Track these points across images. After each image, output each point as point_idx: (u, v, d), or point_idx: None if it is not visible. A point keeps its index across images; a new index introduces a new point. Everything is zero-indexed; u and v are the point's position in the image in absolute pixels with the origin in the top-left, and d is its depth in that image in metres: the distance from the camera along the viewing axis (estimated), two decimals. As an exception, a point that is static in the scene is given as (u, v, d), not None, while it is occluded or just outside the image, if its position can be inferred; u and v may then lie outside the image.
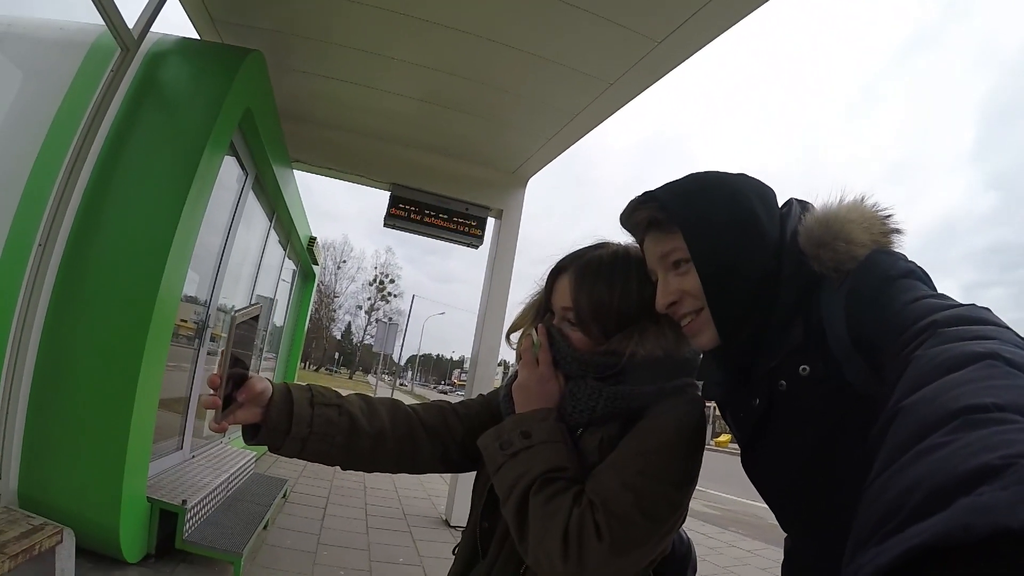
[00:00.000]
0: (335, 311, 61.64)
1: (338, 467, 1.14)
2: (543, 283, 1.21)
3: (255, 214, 5.53)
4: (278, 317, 8.67)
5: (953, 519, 0.29)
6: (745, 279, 0.94)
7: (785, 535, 1.07)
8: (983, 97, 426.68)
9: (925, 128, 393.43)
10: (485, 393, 1.36)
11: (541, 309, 1.22)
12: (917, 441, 0.40)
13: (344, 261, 60.12)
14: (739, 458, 1.21)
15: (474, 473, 1.25)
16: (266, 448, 1.07)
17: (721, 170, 1.04)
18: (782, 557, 1.08)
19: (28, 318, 2.69)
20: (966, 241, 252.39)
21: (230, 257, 4.67)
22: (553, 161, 5.55)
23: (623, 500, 0.92)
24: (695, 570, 1.21)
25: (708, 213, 0.96)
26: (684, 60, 3.49)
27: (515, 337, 1.25)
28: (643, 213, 1.04)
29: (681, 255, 0.99)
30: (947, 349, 0.54)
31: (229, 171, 4.26)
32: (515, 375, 1.18)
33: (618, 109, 4.27)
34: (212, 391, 0.92)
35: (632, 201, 1.06)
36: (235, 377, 0.97)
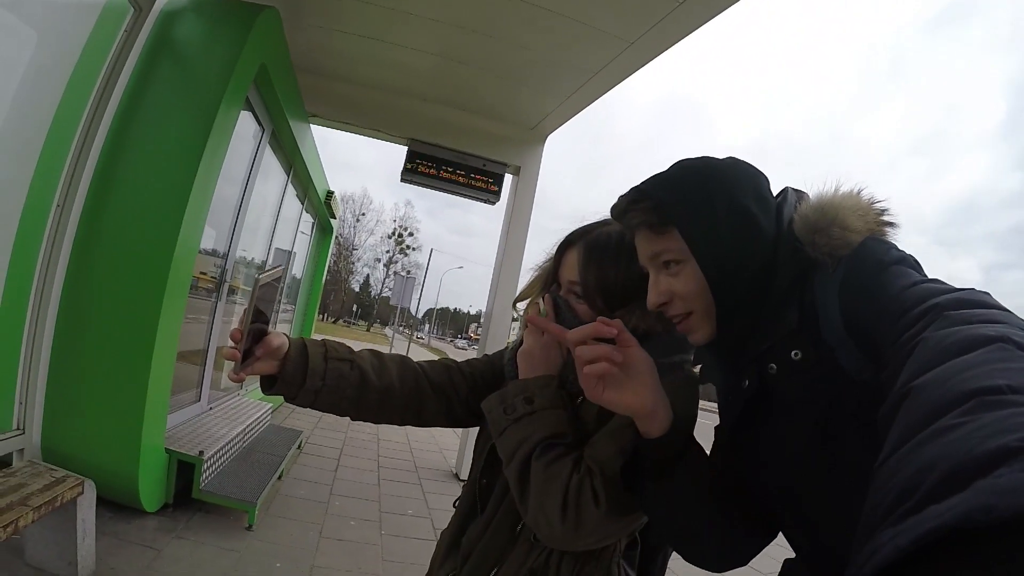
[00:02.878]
0: (353, 264, 62.13)
1: (348, 417, 1.20)
2: (552, 254, 1.25)
3: (272, 168, 5.52)
4: (296, 269, 8.75)
5: (974, 500, 0.29)
6: (745, 272, 0.93)
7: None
8: (1016, 74, 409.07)
9: (954, 103, 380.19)
10: (491, 354, 1.41)
11: (549, 280, 1.26)
12: (931, 421, 0.40)
13: (363, 214, 60.30)
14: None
15: None
16: (282, 399, 1.15)
17: (710, 157, 1.00)
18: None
19: (48, 276, 2.74)
20: (989, 220, 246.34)
21: (248, 211, 4.69)
22: (573, 118, 5.43)
23: (615, 464, 0.97)
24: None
25: (703, 208, 0.93)
26: (707, 21, 3.37)
27: (522, 306, 1.31)
28: (636, 217, 1.00)
29: (672, 256, 0.96)
30: (957, 331, 0.53)
31: (246, 126, 4.24)
32: (520, 341, 1.21)
33: (638, 68, 4.15)
34: (233, 344, 0.96)
35: (623, 198, 1.02)
36: (255, 332, 1.01)
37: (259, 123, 4.48)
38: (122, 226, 2.92)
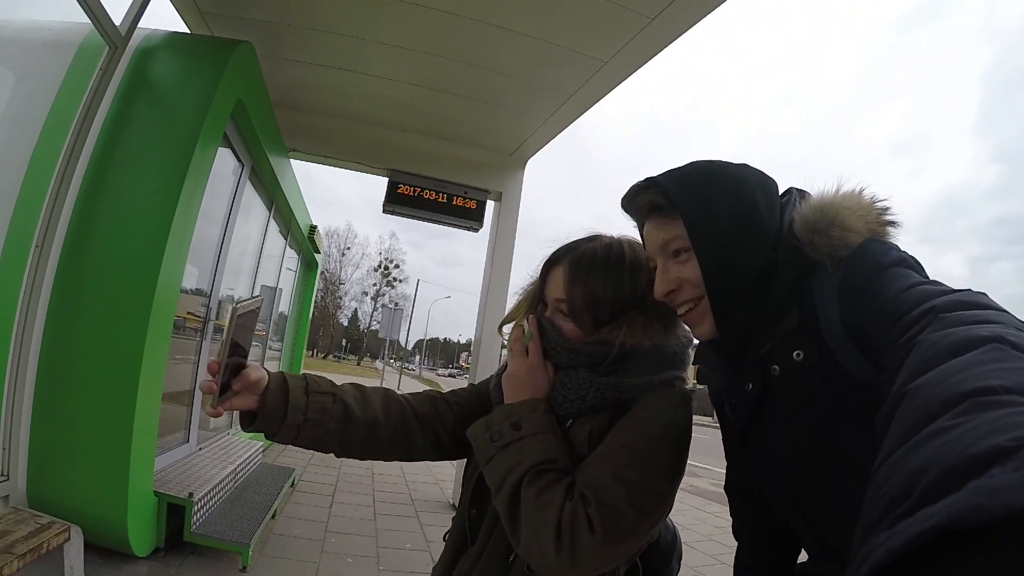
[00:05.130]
0: (341, 298, 61.86)
1: (333, 453, 1.16)
2: (537, 274, 1.22)
3: (253, 205, 5.52)
4: (283, 306, 8.70)
5: (966, 501, 0.29)
6: (745, 269, 0.94)
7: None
8: (987, 69, 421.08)
9: (929, 101, 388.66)
10: (478, 383, 1.37)
11: (535, 300, 1.23)
12: (925, 424, 0.40)
13: (348, 248, 60.23)
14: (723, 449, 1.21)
15: None
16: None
17: (724, 160, 1.03)
18: None
19: (29, 318, 2.70)
20: (971, 214, 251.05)
21: (230, 249, 4.67)
22: (554, 142, 5.48)
23: (614, 493, 0.93)
24: (680, 558, 1.22)
25: (710, 203, 0.96)
26: (678, 36, 3.43)
27: (508, 329, 1.26)
28: (644, 198, 1.04)
29: (681, 244, 0.98)
30: (951, 333, 0.54)
31: (225, 163, 4.25)
32: (505, 365, 1.19)
33: (614, 87, 4.21)
34: (210, 377, 0.94)
35: (634, 186, 1.05)
36: (233, 365, 0.98)
37: (238, 159, 4.49)
38: (102, 266, 2.89)
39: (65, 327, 2.80)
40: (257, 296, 1.11)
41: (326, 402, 1.11)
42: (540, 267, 1.23)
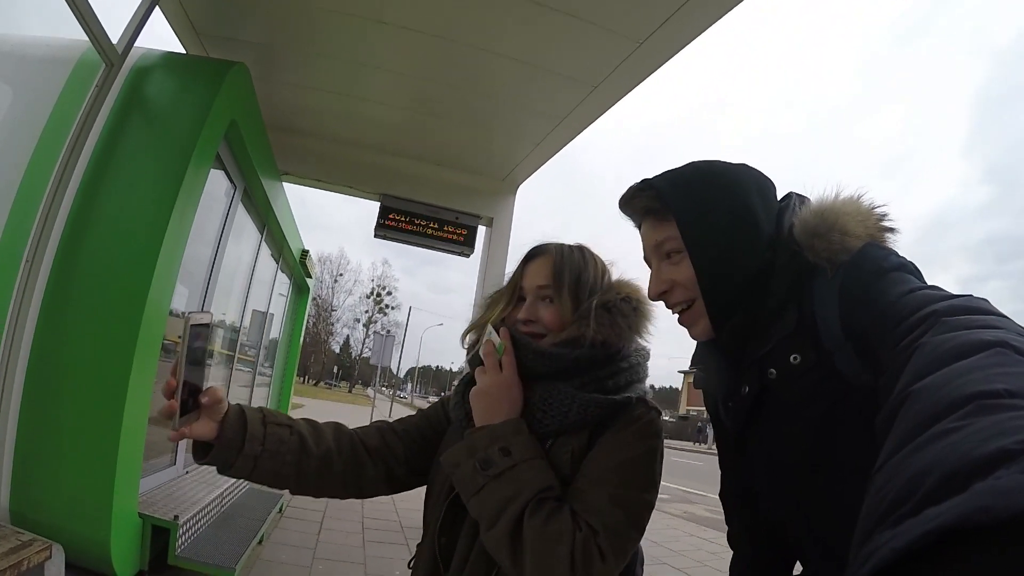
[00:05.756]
0: (333, 324, 61.60)
1: (288, 489, 1.14)
2: (507, 279, 1.25)
3: (245, 227, 5.51)
4: (275, 331, 8.65)
5: (972, 502, 0.29)
6: (739, 271, 0.95)
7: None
8: (976, 89, 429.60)
9: (918, 121, 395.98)
10: (426, 408, 1.36)
11: (509, 298, 1.22)
12: (929, 425, 0.40)
13: (341, 274, 60.22)
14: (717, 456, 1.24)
15: None
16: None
17: (722, 160, 1.05)
18: None
19: (17, 335, 2.68)
20: (961, 234, 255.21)
21: (221, 271, 4.65)
22: (545, 167, 5.54)
23: (617, 518, 0.94)
24: (643, 564, 1.21)
25: (704, 204, 0.97)
26: (668, 60, 3.51)
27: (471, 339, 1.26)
28: (640, 201, 1.05)
29: (674, 245, 1.00)
30: (954, 336, 0.54)
31: (217, 184, 4.27)
32: (469, 380, 1.16)
33: (605, 111, 4.29)
34: (168, 397, 0.92)
35: (631, 188, 1.07)
36: (190, 386, 0.96)
37: (231, 181, 4.51)
38: (92, 282, 2.88)
39: (53, 344, 2.78)
40: (207, 311, 1.10)
41: (283, 433, 1.09)
42: (521, 261, 1.25)
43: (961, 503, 0.29)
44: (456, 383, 1.26)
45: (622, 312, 1.11)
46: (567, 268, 1.16)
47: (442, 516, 1.11)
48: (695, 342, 1.14)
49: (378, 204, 5.84)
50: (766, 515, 1.08)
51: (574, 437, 1.05)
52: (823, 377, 0.86)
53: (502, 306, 1.22)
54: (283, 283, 8.34)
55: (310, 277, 9.57)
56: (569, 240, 1.23)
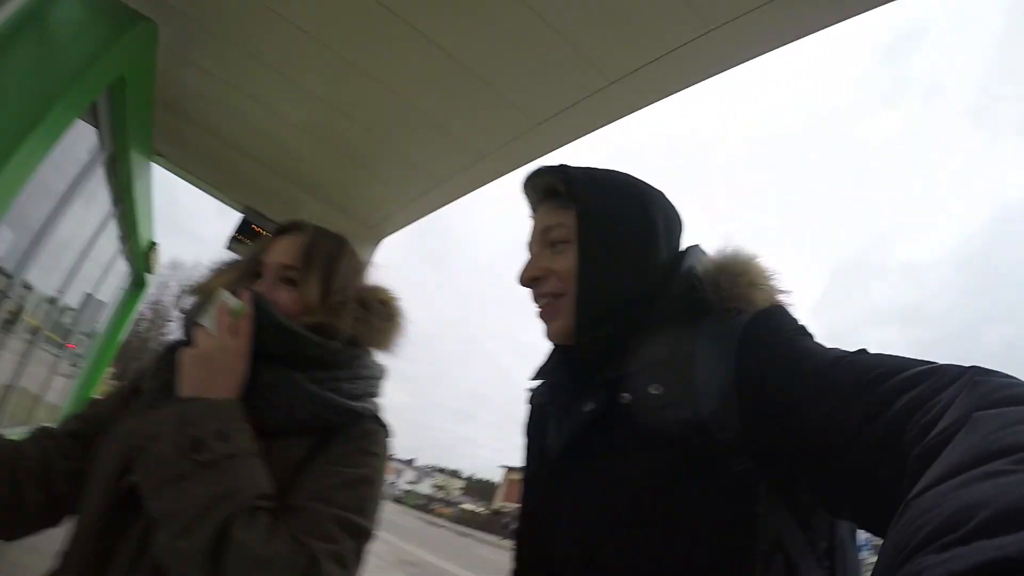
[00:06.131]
0: (166, 335, 56.19)
1: None
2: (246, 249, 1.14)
3: (98, 196, 5.05)
4: (101, 321, 7.78)
5: None
6: (621, 282, 0.93)
7: None
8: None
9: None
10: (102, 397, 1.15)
11: (244, 272, 1.10)
12: (982, 462, 0.40)
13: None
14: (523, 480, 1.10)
15: None
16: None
17: (643, 179, 1.02)
18: None
19: None
20: None
21: (57, 230, 4.21)
22: (412, 226, 5.34)
23: (347, 548, 0.83)
24: None
25: (610, 205, 0.95)
26: (564, 145, 3.58)
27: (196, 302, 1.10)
28: (547, 180, 1.02)
29: (563, 234, 0.97)
30: (1014, 382, 0.54)
31: (83, 138, 3.96)
32: (179, 341, 1.00)
33: (486, 183, 4.25)
34: None
35: (542, 167, 1.03)
36: None
37: (100, 141, 4.18)
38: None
39: None
40: None
41: None
42: (269, 235, 1.20)
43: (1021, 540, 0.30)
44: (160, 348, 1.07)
45: (379, 314, 1.07)
46: (320, 251, 1.09)
47: (105, 507, 0.86)
48: (540, 361, 1.07)
49: (241, 216, 5.48)
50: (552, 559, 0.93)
51: (296, 442, 0.92)
52: (681, 418, 0.79)
53: (233, 279, 1.08)
54: (121, 270, 7.60)
55: (151, 273, 8.75)
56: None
